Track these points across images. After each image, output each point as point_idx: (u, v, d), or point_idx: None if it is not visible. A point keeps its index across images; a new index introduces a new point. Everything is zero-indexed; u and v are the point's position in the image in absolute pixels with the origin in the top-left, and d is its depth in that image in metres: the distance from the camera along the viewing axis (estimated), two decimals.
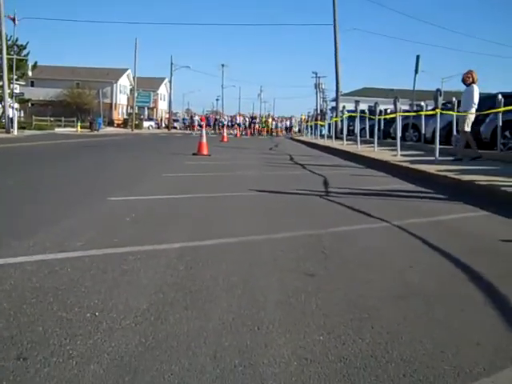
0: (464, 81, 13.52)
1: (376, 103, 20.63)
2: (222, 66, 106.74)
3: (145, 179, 10.02)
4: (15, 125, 35.06)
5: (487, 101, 14.74)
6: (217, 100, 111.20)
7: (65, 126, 58.09)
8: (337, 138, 30.19)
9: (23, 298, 3.14)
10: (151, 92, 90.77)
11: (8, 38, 44.11)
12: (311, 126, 41.15)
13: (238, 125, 57.87)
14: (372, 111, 21.86)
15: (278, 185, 9.36)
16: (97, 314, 2.93)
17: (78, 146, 23.38)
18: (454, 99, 15.86)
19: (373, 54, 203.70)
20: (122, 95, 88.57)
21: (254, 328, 2.80)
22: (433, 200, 7.88)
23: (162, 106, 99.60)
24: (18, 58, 47.14)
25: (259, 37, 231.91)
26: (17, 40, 49.24)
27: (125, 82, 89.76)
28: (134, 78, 72.91)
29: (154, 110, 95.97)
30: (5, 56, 36.54)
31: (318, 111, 66.62)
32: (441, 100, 13.49)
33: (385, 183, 10.12)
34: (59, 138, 30.97)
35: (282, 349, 2.55)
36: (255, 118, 61.69)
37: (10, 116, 35.17)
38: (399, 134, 16.74)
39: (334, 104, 47.07)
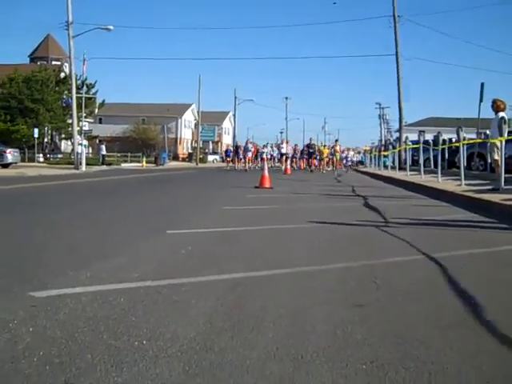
0: (494, 109, 13.94)
1: (439, 132, 20.33)
2: (286, 98, 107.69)
3: (205, 212, 10.15)
4: (83, 161, 36.24)
5: None
6: (281, 133, 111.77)
7: (131, 161, 59.51)
8: (400, 168, 29.95)
9: (76, 326, 3.24)
10: (215, 126, 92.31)
11: (78, 77, 46.04)
12: (375, 157, 40.83)
13: (284, 155, 43.52)
14: (436, 141, 21.57)
15: (338, 216, 9.31)
16: (144, 342, 3.00)
17: (142, 180, 23.92)
18: None
19: (438, 83, 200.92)
20: (186, 130, 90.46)
21: (298, 357, 2.80)
22: (495, 230, 7.69)
23: (227, 139, 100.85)
24: (87, 96, 49.03)
25: (322, 69, 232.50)
26: (86, 79, 51.45)
27: (189, 116, 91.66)
28: (198, 112, 74.29)
29: (219, 143, 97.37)
30: (74, 95, 38.06)
31: (383, 142, 65.86)
32: (505, 128, 13.20)
33: (446, 213, 9.93)
34: (125, 173, 31.76)
35: (324, 377, 2.54)
36: (312, 145, 44.50)
37: (79, 152, 36.42)
38: (463, 163, 16.45)
39: (398, 135, 46.58)
